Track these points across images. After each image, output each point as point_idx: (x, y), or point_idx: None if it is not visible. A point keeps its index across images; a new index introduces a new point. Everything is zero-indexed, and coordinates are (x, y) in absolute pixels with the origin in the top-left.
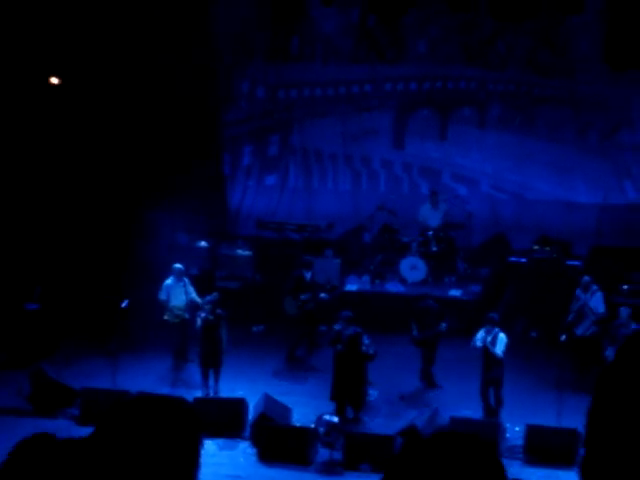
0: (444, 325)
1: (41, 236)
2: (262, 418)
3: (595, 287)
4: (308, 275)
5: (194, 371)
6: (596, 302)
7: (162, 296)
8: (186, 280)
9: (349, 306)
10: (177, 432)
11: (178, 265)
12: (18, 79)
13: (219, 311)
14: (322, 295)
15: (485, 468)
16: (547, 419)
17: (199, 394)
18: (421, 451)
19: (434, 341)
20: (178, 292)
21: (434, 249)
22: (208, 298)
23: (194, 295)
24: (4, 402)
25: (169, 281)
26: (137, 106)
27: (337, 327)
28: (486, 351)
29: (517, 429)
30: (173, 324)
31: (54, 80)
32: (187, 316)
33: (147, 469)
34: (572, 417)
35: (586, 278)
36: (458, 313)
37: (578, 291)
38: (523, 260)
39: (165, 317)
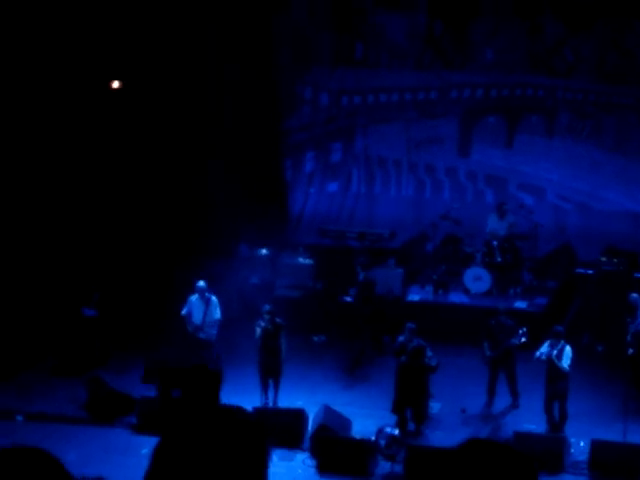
0: (514, 341)
1: (103, 243)
2: (322, 429)
3: None
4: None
5: (253, 381)
6: None
7: (183, 311)
8: (213, 299)
9: (411, 317)
10: (246, 443)
11: (201, 283)
12: (79, 82)
13: (278, 320)
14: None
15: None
16: (613, 434)
17: (258, 404)
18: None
19: (507, 357)
20: (198, 310)
21: (499, 260)
22: (265, 309)
23: (216, 315)
24: (58, 409)
25: (193, 297)
26: (199, 111)
27: (401, 339)
28: (551, 364)
29: (582, 444)
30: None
31: (115, 84)
32: (202, 335)
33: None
34: (638, 433)
35: (634, 296)
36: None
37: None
38: (590, 272)
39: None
